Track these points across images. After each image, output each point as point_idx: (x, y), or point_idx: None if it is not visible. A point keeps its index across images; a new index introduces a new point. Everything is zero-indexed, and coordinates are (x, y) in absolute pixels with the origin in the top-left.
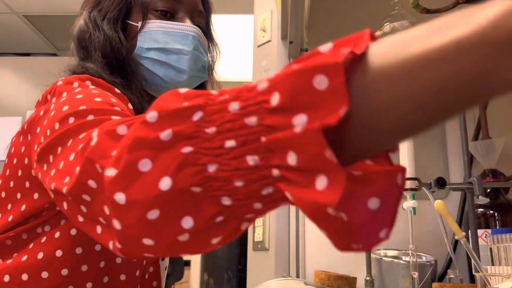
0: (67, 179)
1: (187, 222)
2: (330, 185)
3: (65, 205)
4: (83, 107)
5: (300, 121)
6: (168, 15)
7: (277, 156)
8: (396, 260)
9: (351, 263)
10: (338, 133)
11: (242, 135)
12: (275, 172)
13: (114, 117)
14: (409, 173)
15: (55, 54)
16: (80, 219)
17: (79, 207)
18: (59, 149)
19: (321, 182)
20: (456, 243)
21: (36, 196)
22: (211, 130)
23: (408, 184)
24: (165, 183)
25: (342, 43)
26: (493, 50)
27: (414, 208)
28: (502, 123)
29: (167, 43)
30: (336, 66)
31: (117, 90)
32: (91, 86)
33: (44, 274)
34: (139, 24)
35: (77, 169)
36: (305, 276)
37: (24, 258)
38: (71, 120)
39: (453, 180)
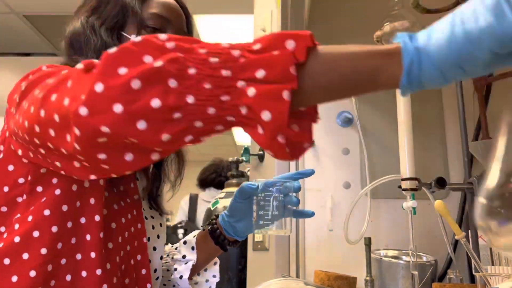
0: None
1: (155, 102)
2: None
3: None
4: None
5: (275, 52)
6: (158, 32)
7: (247, 72)
8: (396, 260)
9: (351, 263)
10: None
11: (224, 55)
12: (241, 83)
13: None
14: (409, 173)
15: (54, 54)
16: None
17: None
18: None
19: (286, 93)
20: (456, 243)
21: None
22: (202, 50)
23: (408, 184)
24: (149, 59)
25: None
26: (379, 57)
27: (414, 208)
28: None
29: None
30: (305, 37)
31: None
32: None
33: (25, 256)
34: (132, 37)
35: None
36: (305, 276)
37: (1, 245)
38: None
39: (453, 180)
